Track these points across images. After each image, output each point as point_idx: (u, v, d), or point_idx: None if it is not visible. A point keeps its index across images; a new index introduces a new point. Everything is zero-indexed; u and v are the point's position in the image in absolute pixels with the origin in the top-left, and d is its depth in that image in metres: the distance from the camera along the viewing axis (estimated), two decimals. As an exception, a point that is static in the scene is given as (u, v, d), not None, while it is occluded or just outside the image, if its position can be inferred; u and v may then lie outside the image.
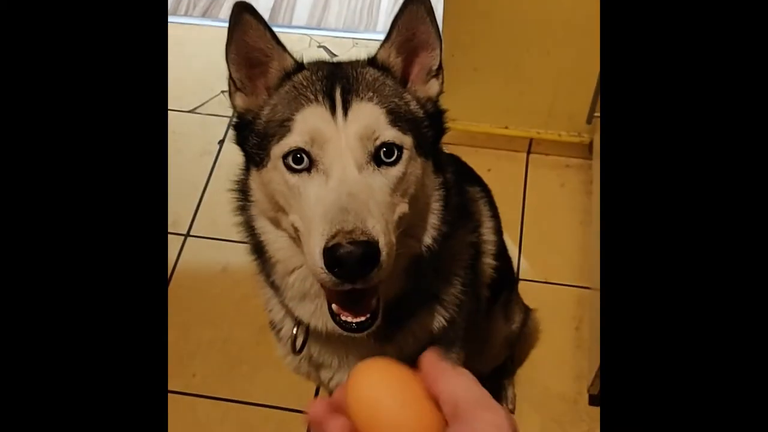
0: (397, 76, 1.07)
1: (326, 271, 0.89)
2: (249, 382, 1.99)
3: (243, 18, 1.02)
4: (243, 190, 1.11)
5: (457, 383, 0.59)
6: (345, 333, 0.98)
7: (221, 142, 2.48)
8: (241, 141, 1.09)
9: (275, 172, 0.99)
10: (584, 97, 2.13)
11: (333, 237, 0.88)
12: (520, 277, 2.11)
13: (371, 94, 1.00)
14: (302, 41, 2.74)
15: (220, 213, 2.31)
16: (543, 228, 2.23)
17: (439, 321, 1.17)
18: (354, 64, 1.07)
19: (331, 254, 0.87)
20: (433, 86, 1.09)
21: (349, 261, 0.87)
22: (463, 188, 1.25)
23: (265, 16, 2.98)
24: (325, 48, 2.71)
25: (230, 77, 1.09)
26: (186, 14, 2.89)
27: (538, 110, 2.25)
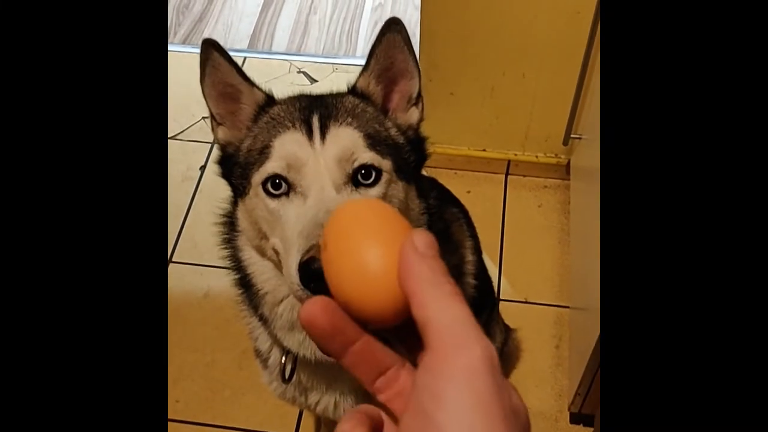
0: (378, 103, 1.09)
1: (302, 287, 0.86)
2: (232, 407, 1.99)
3: (211, 55, 1.05)
4: (230, 222, 1.12)
5: (446, 308, 0.45)
6: None
7: (202, 168, 2.48)
8: (226, 174, 1.10)
9: (257, 198, 1.00)
10: (560, 119, 2.16)
11: (308, 251, 0.85)
12: (501, 297, 2.13)
13: (350, 119, 1.01)
14: (282, 67, 2.76)
15: (202, 239, 2.32)
16: (522, 248, 2.25)
17: None
18: (334, 95, 1.08)
19: (305, 268, 0.85)
20: (414, 114, 1.10)
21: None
22: (444, 212, 1.27)
23: (245, 42, 3.03)
24: (305, 73, 2.73)
25: (210, 112, 1.10)
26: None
27: (515, 133, 2.29)
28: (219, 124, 1.11)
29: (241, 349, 2.04)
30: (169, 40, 2.92)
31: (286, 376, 1.17)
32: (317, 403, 1.23)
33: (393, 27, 1.03)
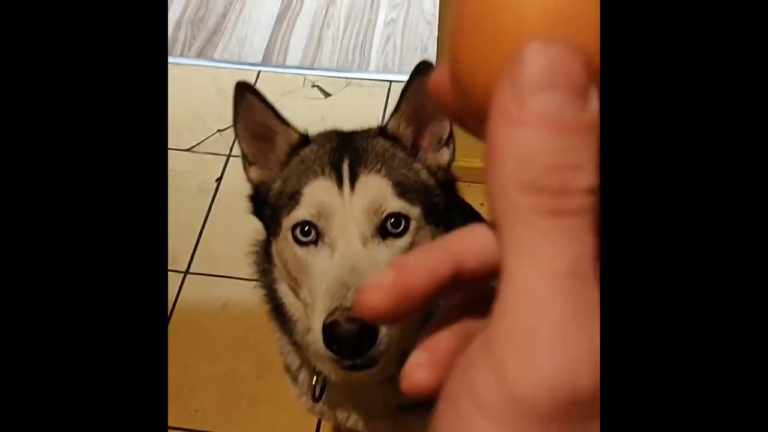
0: (408, 145, 1.09)
1: (326, 349, 0.89)
2: (250, 417, 2.01)
3: (245, 97, 1.07)
4: (265, 253, 1.14)
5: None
6: (348, 371, 0.97)
7: (218, 180, 2.51)
8: (257, 212, 1.12)
9: (286, 243, 1.02)
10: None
11: (332, 314, 0.88)
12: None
13: (379, 165, 1.02)
14: (296, 81, 2.79)
15: (219, 250, 2.34)
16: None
17: None
18: (365, 134, 1.10)
19: (329, 332, 0.87)
20: (444, 154, 1.11)
21: (346, 339, 0.87)
22: None
23: (259, 56, 3.06)
24: (318, 87, 2.76)
25: (242, 153, 1.12)
26: (181, 54, 2.94)
27: (527, 143, 2.29)
28: (251, 164, 1.13)
29: (259, 359, 2.06)
30: (184, 54, 2.96)
31: (316, 396, 1.18)
32: (347, 419, 1.24)
33: (424, 70, 1.04)
